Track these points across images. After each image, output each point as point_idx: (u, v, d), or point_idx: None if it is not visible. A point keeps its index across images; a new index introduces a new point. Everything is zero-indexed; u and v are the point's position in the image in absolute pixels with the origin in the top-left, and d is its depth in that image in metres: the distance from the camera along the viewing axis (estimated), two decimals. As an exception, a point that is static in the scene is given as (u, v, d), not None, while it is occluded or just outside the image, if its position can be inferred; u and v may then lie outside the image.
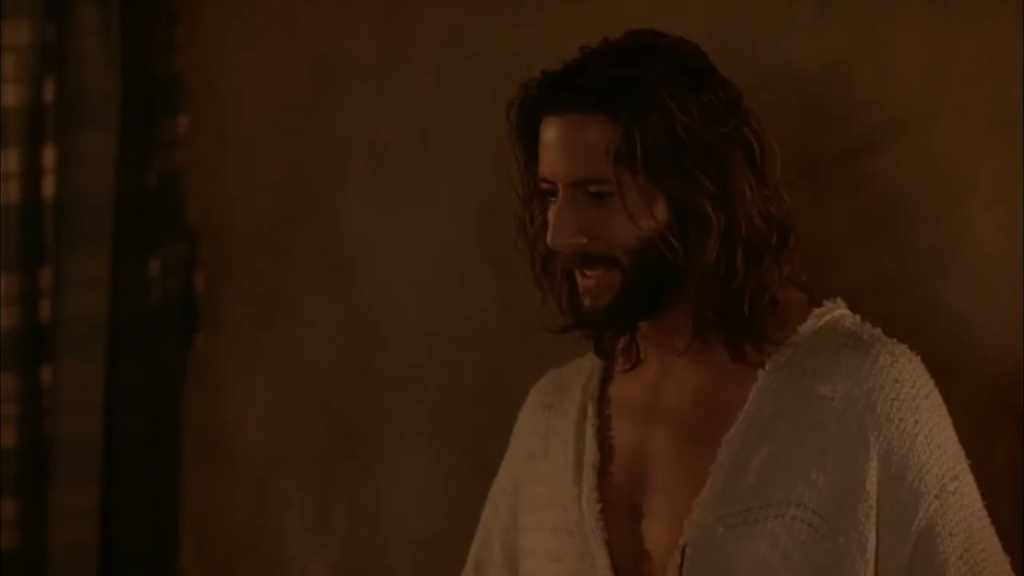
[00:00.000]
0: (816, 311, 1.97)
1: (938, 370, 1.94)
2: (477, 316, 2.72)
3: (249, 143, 2.88)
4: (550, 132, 1.90)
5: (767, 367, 1.93)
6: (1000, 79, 2.41)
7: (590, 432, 2.01)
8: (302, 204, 2.84)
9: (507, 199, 2.65)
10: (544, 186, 1.93)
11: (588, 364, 2.07)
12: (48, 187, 2.80)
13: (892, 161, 2.47)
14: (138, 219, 2.85)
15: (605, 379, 2.05)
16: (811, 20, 2.49)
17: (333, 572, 2.82)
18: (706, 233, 1.87)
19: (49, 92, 2.78)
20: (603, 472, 1.99)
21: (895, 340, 1.94)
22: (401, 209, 2.77)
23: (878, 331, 1.96)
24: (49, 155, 2.79)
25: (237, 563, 2.89)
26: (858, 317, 1.98)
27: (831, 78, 2.48)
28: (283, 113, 2.85)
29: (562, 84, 1.89)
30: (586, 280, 1.92)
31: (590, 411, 2.03)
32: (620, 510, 1.96)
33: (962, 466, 1.92)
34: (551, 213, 1.92)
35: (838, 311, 1.98)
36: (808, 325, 1.95)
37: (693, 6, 2.50)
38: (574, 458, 2.01)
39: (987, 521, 1.93)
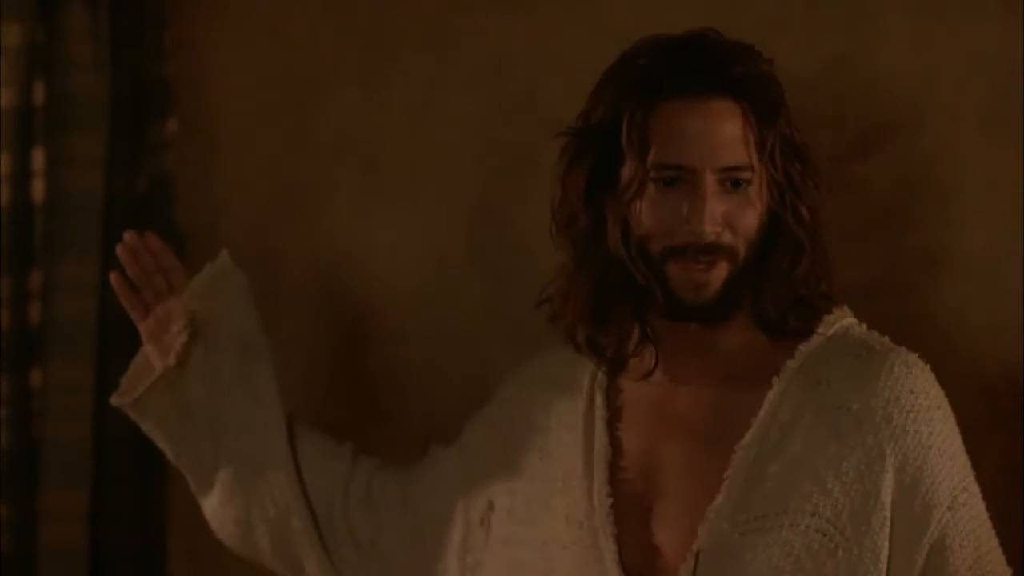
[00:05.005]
0: (826, 318, 1.97)
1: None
2: (466, 319, 2.72)
3: (238, 146, 2.87)
4: (686, 119, 1.89)
5: (781, 374, 1.93)
6: (990, 81, 2.41)
7: (600, 424, 2.00)
8: (291, 207, 2.83)
9: (496, 202, 2.67)
10: (667, 173, 1.91)
11: None
12: (38, 190, 2.79)
13: (882, 163, 2.47)
14: (128, 222, 2.83)
15: (612, 372, 2.04)
16: (801, 21, 2.49)
17: (323, 575, 2.81)
18: (802, 227, 1.94)
19: (39, 95, 2.78)
20: (613, 467, 1.98)
21: (906, 349, 1.95)
22: (390, 212, 2.77)
23: (886, 339, 1.97)
24: (39, 158, 2.78)
25: (226, 567, 2.87)
26: (864, 326, 1.99)
27: (821, 80, 2.48)
28: (272, 116, 2.85)
29: (697, 70, 1.90)
30: (697, 269, 1.90)
31: (598, 401, 2.02)
32: (630, 508, 1.96)
33: (970, 478, 1.94)
34: (669, 199, 1.90)
35: (846, 319, 1.99)
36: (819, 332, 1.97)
37: (681, 6, 2.49)
38: (584, 448, 2.00)
39: (993, 532, 1.95)
